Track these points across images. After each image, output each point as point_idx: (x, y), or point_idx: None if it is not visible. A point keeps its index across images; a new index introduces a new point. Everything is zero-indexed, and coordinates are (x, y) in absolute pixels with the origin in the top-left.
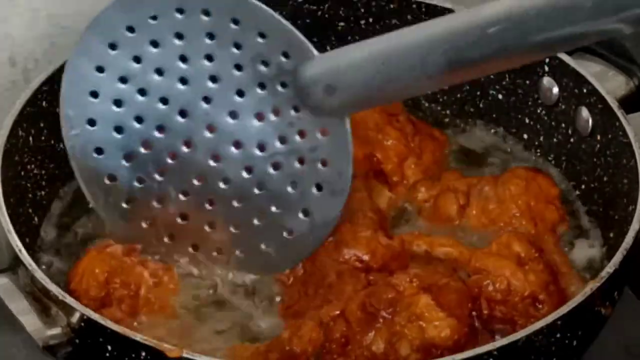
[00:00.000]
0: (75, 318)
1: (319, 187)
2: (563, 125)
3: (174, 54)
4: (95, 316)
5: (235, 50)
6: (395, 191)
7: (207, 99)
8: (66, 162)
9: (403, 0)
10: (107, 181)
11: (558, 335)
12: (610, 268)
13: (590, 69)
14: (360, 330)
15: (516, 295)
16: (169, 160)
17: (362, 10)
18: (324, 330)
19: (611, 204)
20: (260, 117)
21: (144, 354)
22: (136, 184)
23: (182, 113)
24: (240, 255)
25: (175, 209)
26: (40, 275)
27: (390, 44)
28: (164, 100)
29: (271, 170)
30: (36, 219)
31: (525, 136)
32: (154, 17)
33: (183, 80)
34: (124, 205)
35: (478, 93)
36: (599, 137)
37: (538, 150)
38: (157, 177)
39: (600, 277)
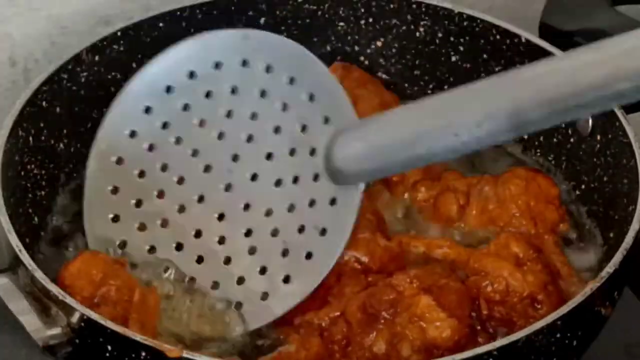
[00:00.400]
0: (75, 318)
1: (309, 256)
2: (563, 125)
3: (224, 106)
4: (95, 316)
5: (281, 111)
6: (394, 191)
7: (235, 158)
8: (66, 162)
9: (403, 0)
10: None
11: (558, 335)
12: (610, 268)
13: None
14: (361, 332)
15: (515, 295)
16: (177, 213)
17: (362, 10)
18: (325, 333)
19: (611, 204)
20: (278, 183)
21: (144, 354)
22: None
23: (207, 168)
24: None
25: (165, 253)
26: (40, 275)
27: (424, 121)
28: (195, 152)
29: (268, 237)
30: (36, 219)
31: (525, 136)
32: (217, 65)
33: (220, 135)
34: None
35: None
36: (599, 137)
37: (538, 150)
38: (158, 224)
39: (600, 277)
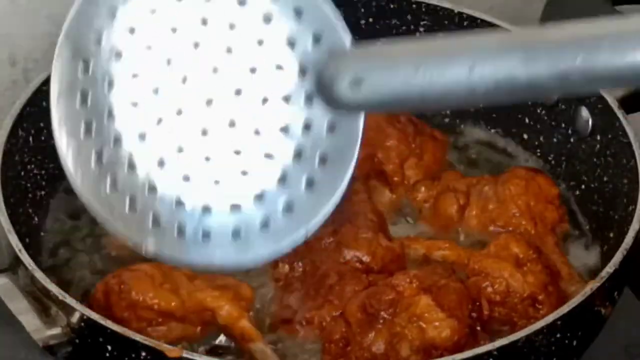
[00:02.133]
0: (75, 318)
1: (309, 184)
2: (563, 125)
3: (197, 14)
4: (95, 316)
5: (263, 23)
6: (395, 192)
7: (215, 70)
8: None
9: (403, 0)
10: (83, 135)
11: (558, 335)
12: (610, 268)
13: None
14: (361, 331)
15: (515, 296)
16: (155, 126)
17: (362, 10)
18: (324, 332)
19: (611, 204)
20: (266, 101)
21: (144, 354)
22: (111, 144)
23: (183, 79)
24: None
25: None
26: (40, 275)
27: (435, 48)
28: (168, 61)
29: (262, 159)
30: (36, 219)
31: (525, 136)
32: None
33: (195, 45)
34: (93, 164)
35: None
36: (598, 137)
37: (538, 150)
38: (135, 141)
39: (600, 277)
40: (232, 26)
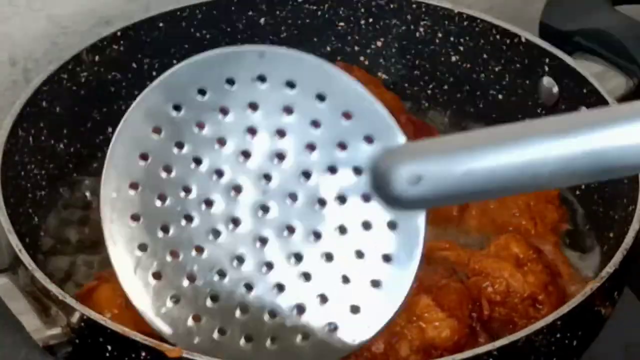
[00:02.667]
0: (75, 318)
1: (376, 284)
2: None
3: (243, 124)
4: (95, 316)
5: (312, 130)
6: None
7: (267, 177)
8: (66, 162)
9: (403, 0)
10: (137, 251)
11: (558, 335)
12: (610, 268)
13: (590, 69)
14: None
15: (515, 296)
16: (211, 239)
17: (362, 10)
18: None
19: (611, 204)
20: (322, 203)
21: (143, 354)
22: (169, 258)
23: (237, 189)
24: (270, 346)
25: (205, 289)
26: (40, 275)
27: (492, 136)
28: (219, 173)
29: (323, 262)
30: (36, 219)
31: None
32: (232, 82)
33: (245, 154)
34: (151, 279)
35: (478, 93)
36: None
37: None
38: (193, 254)
39: (600, 277)
40: (280, 133)
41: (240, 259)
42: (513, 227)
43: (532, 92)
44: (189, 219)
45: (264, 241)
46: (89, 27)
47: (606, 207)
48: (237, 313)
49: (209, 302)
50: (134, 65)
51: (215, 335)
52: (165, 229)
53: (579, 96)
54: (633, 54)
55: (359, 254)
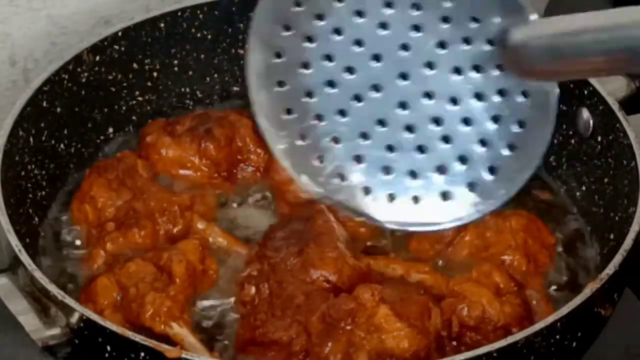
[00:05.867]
0: (74, 318)
1: (511, 148)
2: (564, 126)
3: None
4: (94, 316)
5: (447, 3)
6: None
7: (405, 47)
8: (66, 162)
9: None
10: (283, 115)
11: (558, 337)
12: (610, 269)
13: None
14: (319, 342)
15: (490, 323)
16: (354, 103)
17: None
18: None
19: (611, 205)
20: (458, 71)
21: (143, 354)
22: (314, 121)
23: (376, 57)
24: (414, 204)
25: (350, 150)
26: (39, 275)
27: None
28: (359, 43)
29: (461, 126)
30: (36, 219)
31: None
32: None
33: (383, 25)
34: (298, 142)
35: None
36: (599, 139)
37: None
38: (337, 118)
39: (600, 278)
40: (416, 6)
41: (383, 122)
42: (506, 257)
43: None
44: (332, 84)
45: (404, 105)
46: (89, 27)
47: (606, 209)
48: (380, 174)
49: (354, 163)
50: (134, 65)
51: (361, 194)
52: (309, 95)
53: (579, 97)
54: None
55: (495, 119)
